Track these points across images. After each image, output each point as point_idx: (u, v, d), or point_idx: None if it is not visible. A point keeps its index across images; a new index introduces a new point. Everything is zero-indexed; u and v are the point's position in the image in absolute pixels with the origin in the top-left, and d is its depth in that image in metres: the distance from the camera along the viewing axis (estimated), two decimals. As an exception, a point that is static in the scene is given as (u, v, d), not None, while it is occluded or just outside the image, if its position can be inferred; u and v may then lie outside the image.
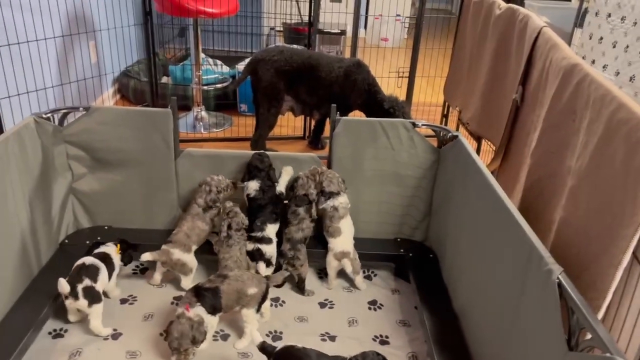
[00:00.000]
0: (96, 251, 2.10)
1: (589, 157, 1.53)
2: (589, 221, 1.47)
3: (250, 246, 2.22)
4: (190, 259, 2.21)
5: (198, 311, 1.86)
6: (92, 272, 1.96)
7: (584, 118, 1.63)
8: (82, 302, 1.90)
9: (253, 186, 2.26)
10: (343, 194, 2.31)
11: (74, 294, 1.89)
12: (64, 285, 1.86)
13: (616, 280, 1.32)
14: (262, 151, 2.33)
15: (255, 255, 2.21)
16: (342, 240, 2.28)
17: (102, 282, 1.99)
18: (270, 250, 2.23)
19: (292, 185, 2.34)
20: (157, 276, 2.24)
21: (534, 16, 2.35)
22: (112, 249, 2.12)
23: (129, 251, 2.19)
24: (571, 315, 1.26)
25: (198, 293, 1.89)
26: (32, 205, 2.05)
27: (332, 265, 2.27)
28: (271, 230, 2.26)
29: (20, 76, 2.88)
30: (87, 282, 1.91)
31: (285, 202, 2.34)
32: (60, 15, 3.31)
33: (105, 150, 2.30)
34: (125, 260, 2.17)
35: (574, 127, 1.70)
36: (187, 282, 2.21)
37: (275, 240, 2.27)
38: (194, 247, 2.24)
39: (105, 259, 2.06)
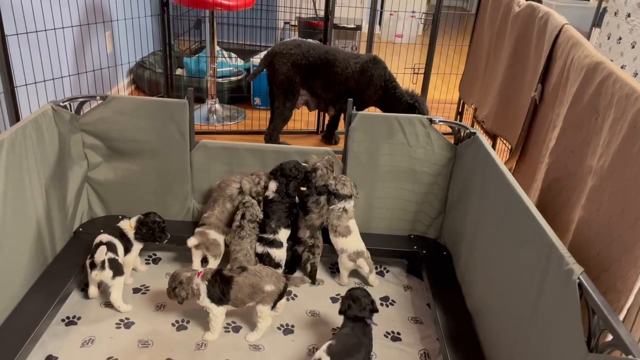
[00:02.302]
0: (111, 228, 2.15)
1: (612, 156, 1.51)
2: (610, 222, 1.45)
3: (260, 249, 2.22)
4: (222, 241, 2.25)
5: (200, 284, 1.91)
6: (112, 247, 2.04)
7: (607, 117, 1.60)
8: (108, 273, 1.98)
9: (272, 187, 2.27)
10: (353, 199, 2.31)
11: (101, 265, 1.96)
12: (103, 252, 1.95)
13: (638, 281, 1.30)
14: (304, 165, 2.32)
15: (265, 261, 2.20)
16: (354, 240, 2.26)
17: (121, 256, 2.08)
18: (280, 254, 2.23)
19: (306, 177, 2.33)
20: (196, 261, 2.26)
21: (555, 14, 2.32)
22: (125, 224, 2.16)
23: (145, 229, 2.15)
24: (592, 316, 1.24)
25: (215, 275, 1.94)
26: (47, 193, 2.06)
27: (346, 266, 2.26)
28: (283, 234, 2.25)
29: (37, 64, 2.89)
30: (110, 254, 1.99)
31: (304, 188, 2.34)
32: (78, 5, 3.32)
33: (121, 140, 2.30)
34: (137, 236, 2.15)
35: (596, 126, 1.68)
36: (214, 266, 2.23)
37: (285, 245, 2.27)
38: (225, 229, 2.28)
39: (121, 234, 2.12)
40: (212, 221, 2.25)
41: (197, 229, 2.23)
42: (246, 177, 2.34)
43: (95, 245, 2.03)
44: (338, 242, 2.27)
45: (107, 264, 1.96)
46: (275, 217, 2.24)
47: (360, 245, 2.26)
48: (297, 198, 2.34)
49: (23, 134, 1.90)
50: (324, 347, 1.68)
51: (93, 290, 2.09)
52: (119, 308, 2.03)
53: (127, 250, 2.14)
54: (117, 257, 2.02)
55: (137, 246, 2.18)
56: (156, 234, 2.16)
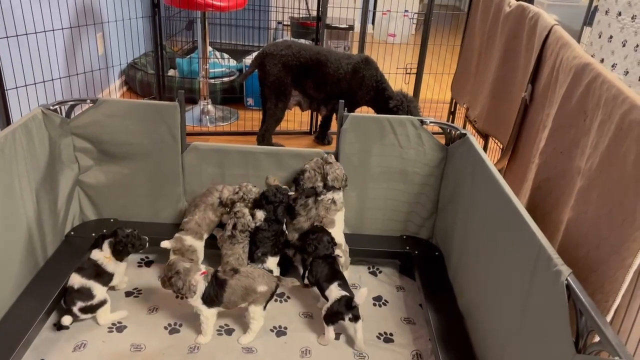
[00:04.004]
0: (85, 264, 2.01)
1: (600, 157, 1.51)
2: (598, 222, 1.46)
3: None
4: (200, 247, 2.24)
5: (200, 282, 1.90)
6: (84, 293, 1.95)
7: (595, 118, 1.61)
8: (84, 317, 1.97)
9: (259, 216, 2.24)
10: (341, 190, 2.32)
11: (73, 316, 1.94)
12: (66, 321, 1.92)
13: (626, 283, 1.31)
14: (285, 187, 2.30)
15: None
16: (334, 232, 2.27)
17: (100, 294, 1.97)
18: None
19: (296, 179, 2.33)
20: None
21: (545, 14, 2.33)
22: (100, 256, 2.01)
23: (122, 247, 2.01)
24: (579, 317, 1.25)
25: (212, 277, 1.93)
26: (38, 197, 2.05)
27: None
28: (272, 262, 2.21)
29: (27, 67, 2.87)
30: (80, 304, 1.93)
31: (291, 193, 2.34)
32: (68, 7, 3.31)
33: (112, 143, 2.30)
34: (119, 257, 2.03)
35: (584, 127, 1.69)
36: None
37: (277, 270, 2.25)
38: (205, 236, 2.27)
39: (96, 271, 1.99)
40: (191, 226, 2.23)
41: (176, 234, 2.22)
42: (227, 186, 2.34)
43: (68, 289, 1.95)
44: None
45: (78, 314, 1.93)
46: (262, 245, 2.20)
47: (339, 238, 2.27)
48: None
49: (12, 138, 1.90)
50: (335, 286, 1.99)
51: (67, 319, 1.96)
52: (113, 320, 2.01)
53: (109, 279, 2.03)
54: (89, 303, 1.94)
55: (119, 269, 2.06)
56: (135, 244, 2.04)
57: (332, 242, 2.15)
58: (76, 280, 1.96)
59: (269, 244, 2.21)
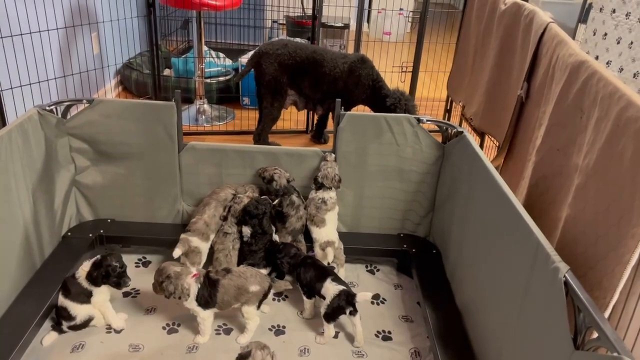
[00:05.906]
0: (68, 279, 1.96)
1: (597, 154, 1.52)
2: (596, 219, 1.47)
3: None
4: (205, 249, 2.20)
5: (192, 285, 1.89)
6: (64, 312, 1.93)
7: (592, 115, 1.62)
8: (77, 330, 1.95)
9: (246, 232, 2.21)
10: (334, 190, 2.32)
11: (63, 332, 1.94)
12: (46, 341, 1.90)
13: (623, 279, 1.32)
14: (264, 197, 2.27)
15: None
16: (326, 231, 2.28)
17: (81, 313, 1.94)
18: None
19: (268, 190, 2.31)
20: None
21: (540, 12, 2.34)
22: (81, 270, 1.95)
23: (96, 273, 1.91)
24: (577, 314, 1.26)
25: (204, 278, 1.93)
26: (35, 198, 2.05)
27: (317, 255, 2.27)
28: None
29: (22, 67, 2.86)
30: (65, 323, 1.93)
31: (276, 205, 2.32)
32: (63, 7, 3.29)
33: (108, 143, 2.29)
34: (91, 281, 1.92)
35: (580, 125, 1.69)
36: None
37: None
38: (212, 236, 2.23)
39: (76, 289, 1.93)
40: (198, 227, 2.18)
41: (181, 235, 2.17)
42: (240, 186, 2.34)
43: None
44: (312, 230, 2.29)
45: (67, 330, 1.94)
46: (250, 259, 2.19)
47: (332, 236, 2.28)
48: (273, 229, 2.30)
49: (9, 139, 1.89)
50: (330, 282, 1.99)
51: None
52: (117, 328, 1.99)
53: (88, 297, 1.95)
54: (73, 323, 1.92)
55: (96, 291, 1.95)
56: (111, 277, 1.92)
57: (296, 247, 2.19)
58: (59, 298, 1.95)
59: (257, 257, 2.19)
